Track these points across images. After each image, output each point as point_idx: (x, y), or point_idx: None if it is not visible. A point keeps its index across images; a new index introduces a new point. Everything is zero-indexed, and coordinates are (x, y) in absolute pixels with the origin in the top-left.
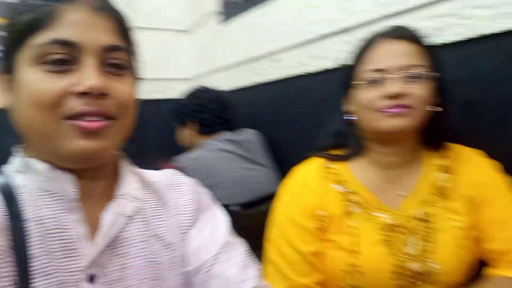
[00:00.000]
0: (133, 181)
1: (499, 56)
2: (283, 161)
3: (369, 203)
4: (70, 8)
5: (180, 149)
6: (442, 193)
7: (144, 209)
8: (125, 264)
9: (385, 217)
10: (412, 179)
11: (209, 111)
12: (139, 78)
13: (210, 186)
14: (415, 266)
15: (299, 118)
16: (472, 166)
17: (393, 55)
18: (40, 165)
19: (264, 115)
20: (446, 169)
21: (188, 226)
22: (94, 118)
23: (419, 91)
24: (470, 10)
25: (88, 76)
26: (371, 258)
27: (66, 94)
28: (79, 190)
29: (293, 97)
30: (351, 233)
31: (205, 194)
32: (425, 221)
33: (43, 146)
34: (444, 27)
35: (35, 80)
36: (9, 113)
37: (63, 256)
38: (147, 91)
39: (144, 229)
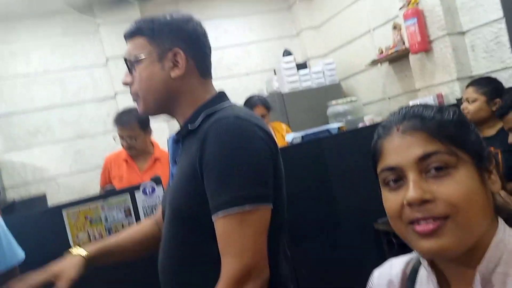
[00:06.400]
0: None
1: None
2: None
3: None
4: (387, 139)
5: None
6: None
7: None
8: None
9: None
10: None
11: None
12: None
13: None
14: None
15: None
16: None
17: None
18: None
19: None
20: None
21: None
22: (425, 222)
23: None
24: None
25: (408, 190)
26: None
27: (403, 205)
28: (443, 277)
29: None
30: None
31: None
32: None
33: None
34: None
35: (385, 198)
36: None
37: None
38: None
39: None
